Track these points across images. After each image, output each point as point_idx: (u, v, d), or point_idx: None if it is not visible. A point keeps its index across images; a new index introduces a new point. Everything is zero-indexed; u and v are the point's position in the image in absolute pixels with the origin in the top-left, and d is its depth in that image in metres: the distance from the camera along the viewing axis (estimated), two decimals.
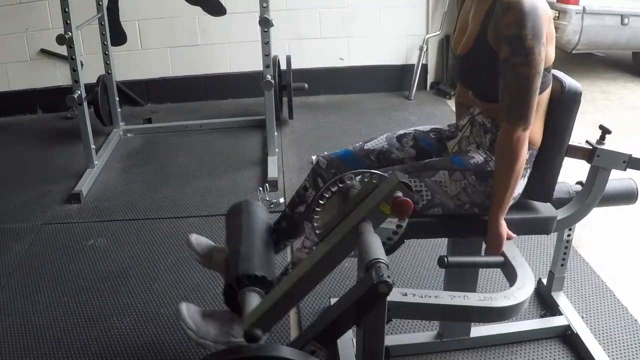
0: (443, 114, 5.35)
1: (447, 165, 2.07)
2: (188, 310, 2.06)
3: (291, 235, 2.47)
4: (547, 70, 2.00)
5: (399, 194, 1.67)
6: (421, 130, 2.39)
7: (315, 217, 1.92)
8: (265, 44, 3.99)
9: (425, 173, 2.06)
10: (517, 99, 1.90)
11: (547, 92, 2.05)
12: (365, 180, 1.81)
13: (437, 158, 2.20)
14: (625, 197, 2.50)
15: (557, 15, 6.40)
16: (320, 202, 1.90)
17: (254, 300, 1.93)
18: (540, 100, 2.01)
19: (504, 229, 2.03)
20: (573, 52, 6.59)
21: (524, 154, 1.95)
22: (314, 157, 4.17)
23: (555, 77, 2.11)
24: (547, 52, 1.93)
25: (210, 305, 2.80)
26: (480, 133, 2.15)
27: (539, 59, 1.86)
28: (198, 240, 2.40)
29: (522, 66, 1.86)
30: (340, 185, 1.88)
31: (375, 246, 1.63)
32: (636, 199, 2.49)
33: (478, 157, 2.10)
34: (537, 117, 2.03)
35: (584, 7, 6.33)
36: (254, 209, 2.39)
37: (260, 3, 3.87)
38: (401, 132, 2.39)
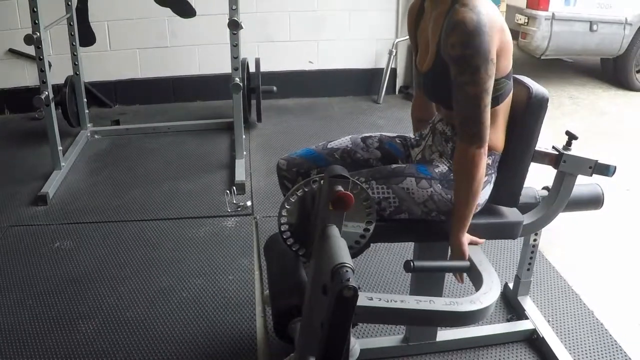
0: (410, 117, 5.27)
1: (413, 173, 2.07)
2: None
3: None
4: (507, 78, 2.00)
5: (339, 188, 1.67)
6: (387, 135, 2.39)
7: (282, 222, 1.90)
8: (234, 46, 3.97)
9: (392, 179, 2.05)
10: (468, 118, 1.91)
11: (507, 100, 2.05)
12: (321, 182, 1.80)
13: (403, 164, 2.20)
14: (591, 202, 2.51)
15: (526, 20, 6.47)
16: (287, 206, 1.88)
17: None
18: (500, 109, 2.03)
19: (466, 246, 2.04)
20: (542, 57, 6.66)
21: (481, 172, 1.95)
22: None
23: (522, 83, 2.11)
24: (501, 63, 1.93)
25: (176, 309, 2.78)
26: (441, 142, 2.16)
27: (485, 77, 1.85)
28: None
29: (469, 85, 1.86)
30: (306, 189, 1.86)
31: (341, 250, 1.63)
32: (602, 204, 2.51)
33: (442, 166, 2.10)
34: (497, 125, 2.04)
35: (553, 13, 6.40)
36: None
37: (230, 5, 3.85)
38: (366, 134, 2.39)
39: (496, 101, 1.98)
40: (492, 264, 2.04)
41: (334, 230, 1.72)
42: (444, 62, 1.94)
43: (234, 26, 3.89)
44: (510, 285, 2.86)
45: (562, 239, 3.45)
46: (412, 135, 2.42)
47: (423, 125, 2.38)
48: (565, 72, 7.61)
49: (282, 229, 1.89)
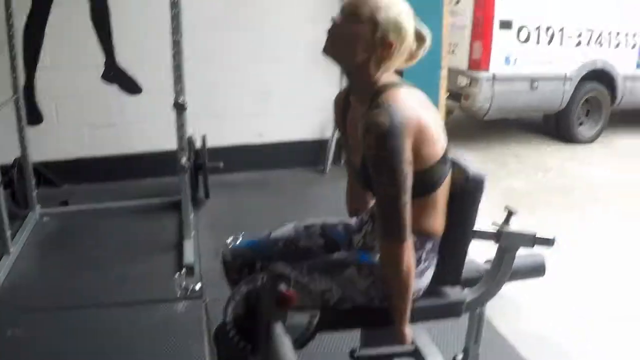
0: None
1: (355, 261, 2.09)
2: None
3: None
4: (440, 162, 2.01)
5: (282, 287, 1.70)
6: (330, 222, 2.42)
7: (228, 320, 1.91)
8: (180, 127, 4.00)
9: (334, 270, 2.07)
10: (387, 217, 1.94)
11: (445, 183, 2.07)
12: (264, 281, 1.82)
13: (345, 253, 2.23)
14: (534, 271, 2.56)
15: (468, 82, 6.61)
16: (232, 303, 1.90)
17: None
18: (439, 194, 2.05)
19: (408, 332, 2.06)
20: (485, 118, 6.79)
21: (407, 264, 1.95)
22: (229, 239, 4.16)
23: (459, 166, 2.14)
24: (426, 153, 1.95)
25: None
26: None
27: (401, 178, 1.88)
28: None
29: (387, 186, 1.90)
30: (250, 287, 1.88)
31: (285, 349, 1.65)
32: (544, 272, 2.55)
33: None
34: (437, 209, 2.07)
35: (494, 74, 6.56)
36: None
37: (175, 87, 3.89)
38: (309, 222, 2.42)
39: (433, 187, 2.01)
40: (440, 336, 2.07)
41: (279, 328, 1.74)
42: None
43: (179, 107, 3.92)
44: (460, 357, 2.87)
45: (509, 306, 3.48)
46: (352, 222, 2.45)
47: (362, 209, 2.41)
48: (509, 130, 7.77)
49: (228, 327, 1.91)
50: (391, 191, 1.89)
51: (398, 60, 2.01)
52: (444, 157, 2.03)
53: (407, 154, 1.88)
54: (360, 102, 2.06)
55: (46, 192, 5.34)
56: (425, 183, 1.98)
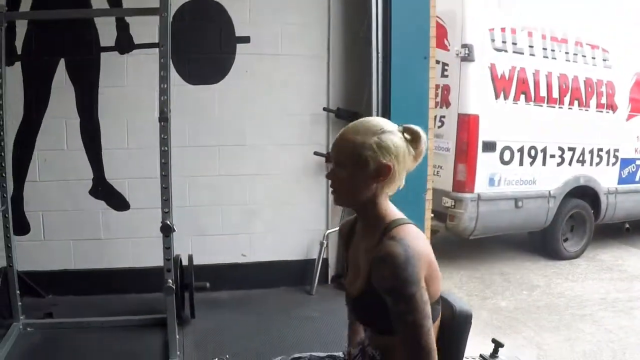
0: (344, 307, 5.21)
1: None
2: None
3: None
4: (436, 303, 2.05)
5: None
6: (317, 356, 2.42)
7: None
8: (167, 248, 4.00)
9: None
10: (415, 347, 1.93)
11: (436, 323, 2.09)
12: None
13: None
14: None
15: (453, 203, 6.69)
16: None
17: None
18: None
19: None
20: (470, 237, 6.85)
21: None
22: None
23: (446, 302, 2.16)
24: (430, 289, 1.98)
25: None
26: None
27: (421, 303, 1.90)
28: None
29: (408, 314, 1.90)
30: None
31: None
32: None
33: None
34: None
35: (478, 195, 6.66)
36: None
37: (162, 208, 3.93)
38: (296, 355, 2.41)
39: None
40: None
41: None
42: (374, 290, 1.99)
43: (166, 230, 3.94)
44: None
45: None
46: (341, 354, 2.45)
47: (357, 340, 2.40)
48: (494, 248, 7.82)
49: None
50: (413, 318, 1.90)
51: (404, 172, 2.07)
52: (439, 299, 2.08)
53: (423, 283, 1.92)
54: (368, 235, 2.10)
55: (31, 302, 5.28)
56: None
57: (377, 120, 2.08)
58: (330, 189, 2.12)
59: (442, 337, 2.14)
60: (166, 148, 3.92)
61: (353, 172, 2.02)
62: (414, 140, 2.06)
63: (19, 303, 4.78)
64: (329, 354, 2.45)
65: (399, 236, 1.94)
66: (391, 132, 2.02)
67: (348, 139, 2.03)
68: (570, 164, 7.47)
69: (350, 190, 2.06)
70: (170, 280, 4.04)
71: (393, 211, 2.09)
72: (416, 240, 1.96)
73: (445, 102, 6.95)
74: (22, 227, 5.35)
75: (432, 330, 1.95)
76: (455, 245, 7.54)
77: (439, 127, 6.90)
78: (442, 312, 2.14)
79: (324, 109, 5.61)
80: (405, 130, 2.06)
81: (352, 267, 2.23)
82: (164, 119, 3.87)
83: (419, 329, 1.92)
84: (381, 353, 2.14)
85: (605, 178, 7.85)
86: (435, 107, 6.50)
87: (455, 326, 2.15)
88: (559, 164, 7.35)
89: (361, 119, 2.09)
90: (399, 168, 2.03)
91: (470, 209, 6.63)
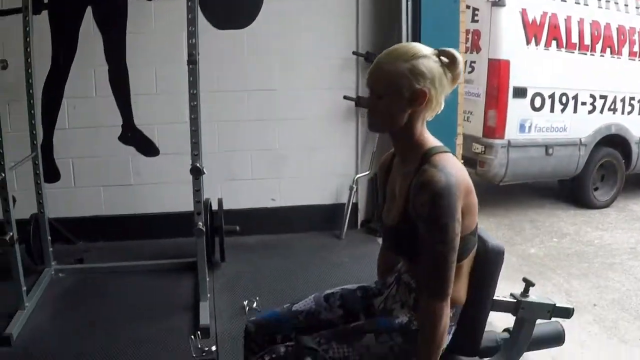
0: (374, 252, 5.14)
1: (373, 328, 2.09)
2: None
3: None
4: (472, 234, 2.05)
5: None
6: (348, 289, 2.42)
7: None
8: (197, 191, 4.01)
9: (352, 338, 2.07)
10: (434, 275, 1.94)
11: (471, 255, 2.10)
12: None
13: (363, 321, 2.23)
14: (552, 340, 2.53)
15: (483, 149, 6.63)
16: None
17: None
18: (464, 264, 2.06)
19: None
20: (500, 184, 6.80)
21: (444, 324, 1.97)
22: (245, 302, 4.17)
23: (480, 238, 2.15)
24: (466, 221, 1.98)
25: None
26: (405, 292, 2.19)
27: (453, 236, 1.90)
28: None
29: (437, 243, 1.91)
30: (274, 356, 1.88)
31: None
32: (563, 341, 2.52)
33: (402, 317, 2.13)
34: (461, 277, 2.08)
35: (509, 141, 6.59)
36: None
37: (192, 151, 3.92)
38: (328, 291, 2.41)
39: (461, 256, 2.01)
40: None
41: None
42: (410, 219, 1.99)
43: (196, 172, 3.94)
44: None
45: None
46: (372, 284, 2.45)
47: (388, 273, 2.41)
48: (524, 195, 7.77)
49: None
50: (441, 249, 1.91)
51: (443, 96, 2.05)
52: (475, 229, 2.07)
53: (459, 214, 1.91)
54: (405, 162, 2.10)
55: (62, 249, 5.34)
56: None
57: (411, 46, 2.04)
58: (367, 115, 2.11)
59: (476, 269, 2.15)
60: (195, 91, 3.90)
61: (388, 99, 2.00)
62: (450, 63, 2.02)
63: (50, 249, 4.84)
64: (360, 284, 2.45)
65: (440, 164, 1.93)
66: (425, 57, 1.99)
67: (382, 67, 2.00)
68: (601, 112, 7.34)
69: (387, 117, 2.04)
70: (200, 223, 4.05)
71: (431, 138, 2.07)
72: (456, 169, 1.95)
73: (475, 47, 6.84)
74: (52, 174, 5.39)
75: (454, 264, 1.95)
76: (485, 192, 7.47)
77: (469, 72, 6.82)
78: (477, 247, 2.14)
79: (354, 52, 5.55)
80: (440, 53, 2.02)
81: (388, 199, 2.23)
82: (192, 61, 3.84)
83: (443, 260, 1.93)
84: (417, 281, 2.14)
85: (636, 127, 7.72)
86: (466, 52, 6.45)
87: (489, 259, 2.15)
88: (590, 112, 7.23)
89: (396, 45, 2.06)
90: (435, 93, 2.00)
91: (501, 155, 6.57)
